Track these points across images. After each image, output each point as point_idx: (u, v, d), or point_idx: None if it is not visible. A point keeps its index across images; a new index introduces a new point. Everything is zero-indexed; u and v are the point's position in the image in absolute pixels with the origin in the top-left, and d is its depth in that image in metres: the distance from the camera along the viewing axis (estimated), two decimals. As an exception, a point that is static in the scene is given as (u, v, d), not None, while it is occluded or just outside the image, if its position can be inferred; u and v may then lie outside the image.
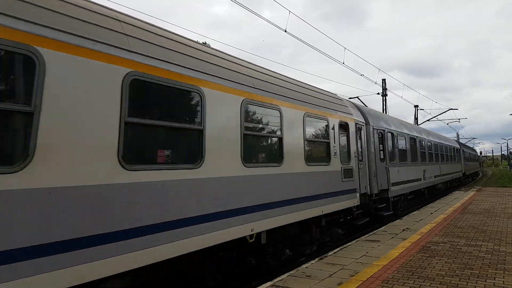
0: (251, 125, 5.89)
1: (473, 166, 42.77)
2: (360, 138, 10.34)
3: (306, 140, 7.27)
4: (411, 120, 40.08)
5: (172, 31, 5.15)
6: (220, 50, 6.05)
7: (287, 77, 7.65)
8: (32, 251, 3.01)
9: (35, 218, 3.06)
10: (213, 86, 5.11)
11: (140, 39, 4.26)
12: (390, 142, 12.70)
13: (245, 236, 5.47)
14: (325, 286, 5.21)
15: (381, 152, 11.94)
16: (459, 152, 29.12)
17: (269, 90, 6.40)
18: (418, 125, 32.85)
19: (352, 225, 9.87)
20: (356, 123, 9.95)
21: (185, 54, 4.86)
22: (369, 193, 10.56)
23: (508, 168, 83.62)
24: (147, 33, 4.48)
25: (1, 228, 2.86)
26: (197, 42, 5.58)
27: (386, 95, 29.54)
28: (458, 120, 43.39)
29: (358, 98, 26.84)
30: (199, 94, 4.87)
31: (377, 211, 11.23)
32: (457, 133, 66.46)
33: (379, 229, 9.74)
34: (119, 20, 4.18)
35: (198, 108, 4.88)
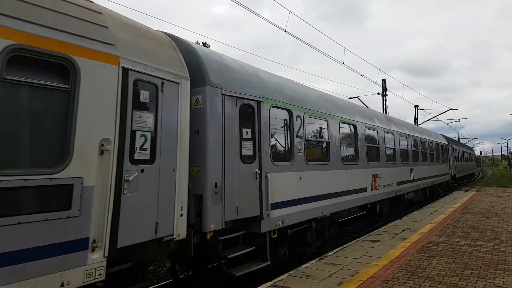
0: None
1: (467, 167, 36.28)
2: (155, 111, 4.52)
3: None
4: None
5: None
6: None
7: None
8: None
9: None
10: None
11: None
12: (279, 127, 7.16)
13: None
14: (325, 286, 5.21)
15: (249, 143, 6.12)
16: (446, 150, 23.27)
17: None
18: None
19: None
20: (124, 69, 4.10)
21: None
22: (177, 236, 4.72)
23: (508, 168, 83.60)
24: None
25: None
26: None
27: (386, 95, 29.56)
28: (458, 120, 43.47)
29: (358, 98, 26.87)
30: None
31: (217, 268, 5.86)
32: (457, 133, 66.61)
33: (379, 229, 9.74)
34: None
35: None
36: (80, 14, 3.79)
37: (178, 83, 4.84)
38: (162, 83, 4.58)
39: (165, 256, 5.09)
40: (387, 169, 11.92)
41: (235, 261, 5.82)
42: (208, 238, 5.26)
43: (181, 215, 4.74)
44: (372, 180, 10.63)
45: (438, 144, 20.69)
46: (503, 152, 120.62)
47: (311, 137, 8.17)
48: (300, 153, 7.33)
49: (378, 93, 29.70)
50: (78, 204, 3.48)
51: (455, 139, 52.79)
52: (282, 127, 7.21)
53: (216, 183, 5.35)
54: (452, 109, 38.50)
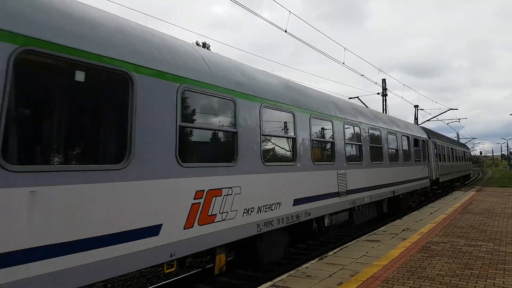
0: None
1: (459, 168, 29.25)
2: None
3: None
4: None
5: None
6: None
7: None
8: None
9: None
10: None
11: None
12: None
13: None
14: (325, 286, 5.21)
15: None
16: (424, 146, 17.35)
17: None
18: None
19: None
20: None
21: None
22: None
23: (508, 168, 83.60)
24: None
25: None
26: None
27: (386, 95, 29.56)
28: (458, 120, 43.48)
29: (358, 98, 26.88)
30: None
31: None
32: (457, 133, 66.62)
33: (379, 229, 9.74)
34: None
35: None
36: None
37: None
38: None
39: None
40: (305, 175, 7.27)
41: None
42: None
43: None
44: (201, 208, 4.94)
45: (411, 137, 15.12)
46: (503, 152, 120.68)
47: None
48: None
49: (378, 93, 29.71)
50: None
51: (455, 138, 52.31)
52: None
53: None
54: (452, 109, 38.51)
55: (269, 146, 6.70)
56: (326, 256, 6.91)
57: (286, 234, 7.38)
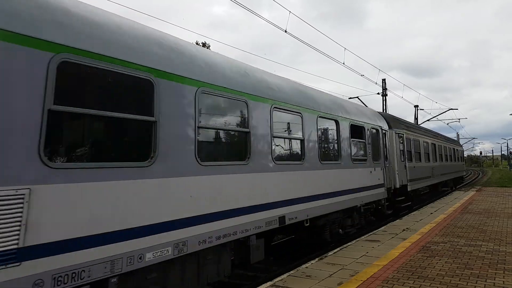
0: None
1: (445, 169, 22.28)
2: None
3: None
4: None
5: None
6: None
7: None
8: None
9: None
10: None
11: None
12: None
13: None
14: (325, 286, 5.21)
15: None
16: (383, 139, 11.98)
17: None
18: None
19: None
20: None
21: None
22: None
23: (508, 168, 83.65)
24: None
25: None
26: None
27: (386, 95, 29.57)
28: (458, 120, 43.51)
29: (358, 98, 26.87)
30: None
31: None
32: (457, 133, 66.59)
33: (379, 229, 9.75)
34: None
35: None
36: None
37: None
38: None
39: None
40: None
41: None
42: None
43: None
44: None
45: (345, 124, 9.23)
46: (503, 152, 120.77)
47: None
48: None
49: (378, 93, 29.72)
50: None
51: (455, 138, 51.93)
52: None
53: None
54: (452, 109, 38.49)
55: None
56: (326, 256, 6.91)
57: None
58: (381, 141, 11.57)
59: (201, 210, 4.80)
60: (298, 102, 7.45)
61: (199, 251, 4.79)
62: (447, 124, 44.93)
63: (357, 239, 8.46)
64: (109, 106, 3.92)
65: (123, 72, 4.04)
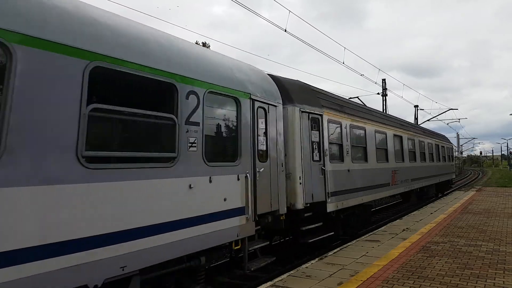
0: None
1: (420, 172, 16.45)
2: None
3: None
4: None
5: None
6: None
7: None
8: None
9: None
10: None
11: None
12: None
13: None
14: (325, 286, 5.21)
15: None
16: (272, 124, 6.73)
17: None
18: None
19: None
20: None
21: None
22: None
23: (508, 168, 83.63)
24: None
25: None
26: None
27: (386, 95, 29.59)
28: (458, 120, 43.51)
29: (358, 98, 26.87)
30: None
31: None
32: (457, 133, 66.61)
33: (379, 229, 9.75)
34: None
35: None
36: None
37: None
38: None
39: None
40: None
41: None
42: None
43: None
44: None
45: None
46: (503, 152, 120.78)
47: None
48: None
49: (378, 93, 29.73)
50: None
51: (455, 138, 51.76)
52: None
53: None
54: (452, 109, 38.50)
55: None
56: (326, 256, 6.91)
57: None
58: (248, 123, 6.06)
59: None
60: None
61: None
62: (447, 124, 44.94)
63: (357, 239, 8.45)
64: None
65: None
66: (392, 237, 8.47)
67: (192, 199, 4.78)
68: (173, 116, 4.59)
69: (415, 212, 13.01)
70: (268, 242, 6.86)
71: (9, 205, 2.98)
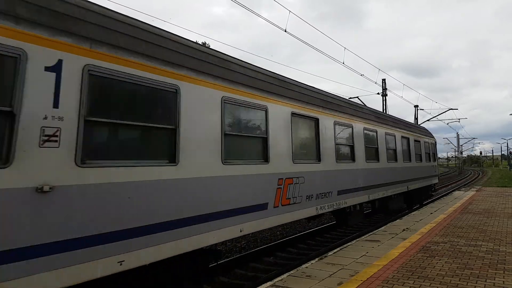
0: None
1: (359, 179, 10.30)
2: None
3: None
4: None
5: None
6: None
7: None
8: None
9: None
10: None
11: None
12: None
13: None
14: (325, 286, 5.21)
15: None
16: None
17: None
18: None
19: None
20: None
21: None
22: None
23: (508, 168, 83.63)
24: None
25: None
26: None
27: (386, 95, 29.56)
28: (458, 120, 43.46)
29: (358, 98, 26.87)
30: None
31: None
32: (457, 133, 66.61)
33: (379, 229, 9.74)
34: None
35: None
36: None
37: None
38: None
39: None
40: None
41: None
42: None
43: None
44: None
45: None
46: (503, 152, 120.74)
47: None
48: None
49: (378, 93, 29.71)
50: None
51: (455, 138, 51.75)
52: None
53: None
54: (452, 109, 38.44)
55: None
56: (326, 256, 6.91)
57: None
58: None
59: None
60: None
61: None
62: (447, 124, 44.92)
63: (357, 239, 8.45)
64: None
65: None
66: (392, 237, 8.47)
67: None
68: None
69: (415, 212, 13.00)
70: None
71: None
